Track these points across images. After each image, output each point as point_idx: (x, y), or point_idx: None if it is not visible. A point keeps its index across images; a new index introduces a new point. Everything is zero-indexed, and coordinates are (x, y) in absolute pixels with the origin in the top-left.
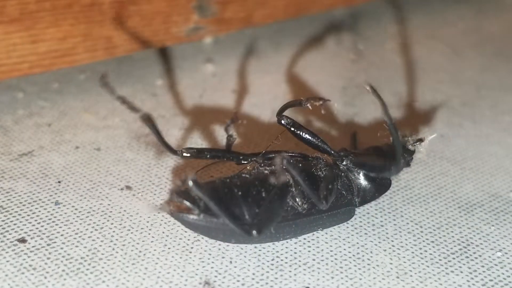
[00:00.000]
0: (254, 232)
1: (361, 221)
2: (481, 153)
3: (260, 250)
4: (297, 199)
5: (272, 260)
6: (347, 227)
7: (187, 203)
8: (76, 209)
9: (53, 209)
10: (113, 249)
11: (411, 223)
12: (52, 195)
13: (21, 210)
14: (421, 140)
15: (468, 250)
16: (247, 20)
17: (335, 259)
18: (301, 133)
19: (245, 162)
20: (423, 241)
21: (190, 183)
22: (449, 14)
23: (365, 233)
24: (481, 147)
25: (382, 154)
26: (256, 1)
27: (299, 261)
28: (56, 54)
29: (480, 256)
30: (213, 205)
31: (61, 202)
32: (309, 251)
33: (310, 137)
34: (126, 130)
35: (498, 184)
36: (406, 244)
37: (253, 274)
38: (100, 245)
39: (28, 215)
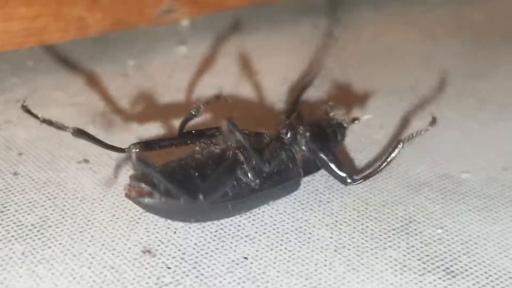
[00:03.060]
0: (201, 196)
1: (308, 197)
2: (439, 136)
3: (207, 224)
4: (249, 175)
5: (216, 231)
6: (294, 203)
7: (147, 187)
8: (33, 180)
9: (11, 179)
10: (63, 217)
11: (358, 200)
12: (11, 166)
13: None
14: (356, 119)
15: (410, 226)
16: (221, 3)
17: (277, 232)
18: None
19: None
20: (367, 217)
21: (134, 156)
22: (430, 1)
23: (311, 209)
24: (441, 131)
25: (322, 127)
26: None
27: (242, 233)
28: (27, 33)
29: (420, 232)
30: (161, 178)
31: (19, 173)
32: (252, 224)
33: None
34: (91, 107)
35: (451, 165)
36: (349, 220)
37: (195, 244)
38: (51, 214)
39: None
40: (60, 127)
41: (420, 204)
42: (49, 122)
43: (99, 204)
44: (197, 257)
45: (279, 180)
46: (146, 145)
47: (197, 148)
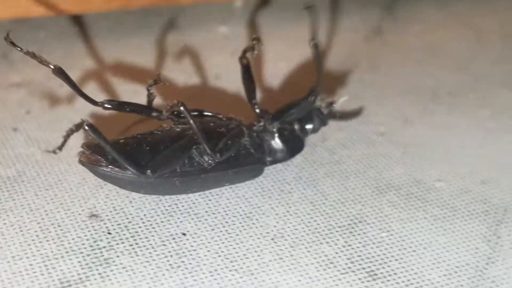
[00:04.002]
0: (148, 171)
1: (272, 186)
2: (432, 141)
3: (163, 197)
4: (203, 156)
5: (169, 206)
6: (256, 189)
7: (95, 156)
8: (28, 137)
9: (9, 134)
10: (38, 174)
11: (319, 194)
12: (15, 122)
13: None
14: (332, 103)
15: (357, 226)
16: None
17: (226, 214)
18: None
19: (163, 119)
20: (319, 212)
21: (86, 127)
22: (494, 4)
23: (269, 197)
24: (438, 136)
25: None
26: None
27: (192, 210)
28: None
29: (364, 233)
30: (110, 149)
31: (19, 129)
32: (207, 204)
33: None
34: (115, 77)
35: (430, 172)
36: (301, 212)
37: (144, 215)
38: (29, 170)
39: None
40: (43, 61)
41: (378, 206)
42: (33, 55)
43: (74, 166)
44: (140, 227)
45: (236, 164)
46: (119, 104)
47: (163, 124)
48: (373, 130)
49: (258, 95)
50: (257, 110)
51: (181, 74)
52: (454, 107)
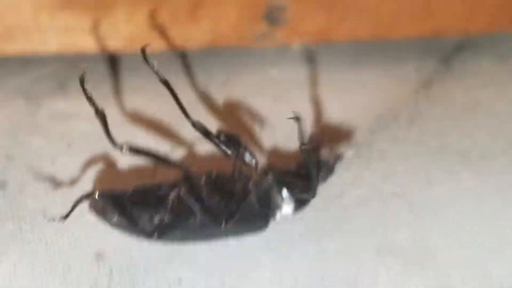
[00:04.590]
0: (155, 235)
1: (279, 240)
2: (448, 205)
3: None
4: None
5: (171, 251)
6: (263, 241)
7: (106, 206)
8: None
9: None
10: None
11: (321, 252)
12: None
13: None
14: (339, 156)
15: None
16: (324, 35)
17: (224, 266)
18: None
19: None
20: (316, 270)
21: (97, 195)
22: None
23: (271, 251)
24: (457, 201)
25: (302, 172)
26: (340, 16)
27: (193, 259)
28: None
29: None
30: (118, 218)
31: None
32: (208, 253)
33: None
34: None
35: (437, 239)
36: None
37: (146, 258)
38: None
39: None
40: (91, 100)
41: (373, 270)
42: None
43: None
44: (139, 270)
45: (241, 221)
46: (137, 150)
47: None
48: (392, 190)
49: None
50: (260, 169)
51: (220, 116)
52: (483, 171)
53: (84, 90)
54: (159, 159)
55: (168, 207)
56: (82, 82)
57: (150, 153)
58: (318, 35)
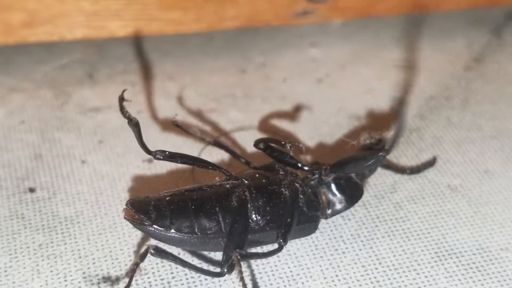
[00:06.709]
0: (225, 271)
1: (327, 244)
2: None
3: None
4: (252, 215)
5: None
6: (309, 246)
7: (140, 215)
8: (94, 171)
9: (79, 167)
10: (95, 215)
11: (373, 257)
12: (85, 154)
13: None
14: (381, 140)
15: None
16: (366, 11)
17: (273, 274)
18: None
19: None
20: (370, 278)
21: (152, 252)
22: None
23: (321, 257)
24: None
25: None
26: None
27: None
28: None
29: None
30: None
31: (86, 161)
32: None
33: (282, 157)
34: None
35: (498, 238)
36: (350, 278)
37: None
38: (88, 209)
39: None
40: (124, 112)
41: (434, 276)
42: (121, 103)
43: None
44: (183, 284)
45: (295, 233)
46: (170, 155)
47: (216, 178)
48: (447, 183)
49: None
50: (306, 168)
51: (261, 101)
52: None
53: (122, 109)
54: (194, 162)
55: (208, 197)
56: (121, 101)
57: (184, 157)
58: (360, 11)
